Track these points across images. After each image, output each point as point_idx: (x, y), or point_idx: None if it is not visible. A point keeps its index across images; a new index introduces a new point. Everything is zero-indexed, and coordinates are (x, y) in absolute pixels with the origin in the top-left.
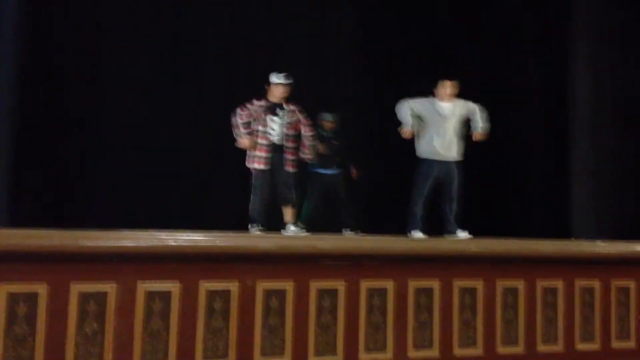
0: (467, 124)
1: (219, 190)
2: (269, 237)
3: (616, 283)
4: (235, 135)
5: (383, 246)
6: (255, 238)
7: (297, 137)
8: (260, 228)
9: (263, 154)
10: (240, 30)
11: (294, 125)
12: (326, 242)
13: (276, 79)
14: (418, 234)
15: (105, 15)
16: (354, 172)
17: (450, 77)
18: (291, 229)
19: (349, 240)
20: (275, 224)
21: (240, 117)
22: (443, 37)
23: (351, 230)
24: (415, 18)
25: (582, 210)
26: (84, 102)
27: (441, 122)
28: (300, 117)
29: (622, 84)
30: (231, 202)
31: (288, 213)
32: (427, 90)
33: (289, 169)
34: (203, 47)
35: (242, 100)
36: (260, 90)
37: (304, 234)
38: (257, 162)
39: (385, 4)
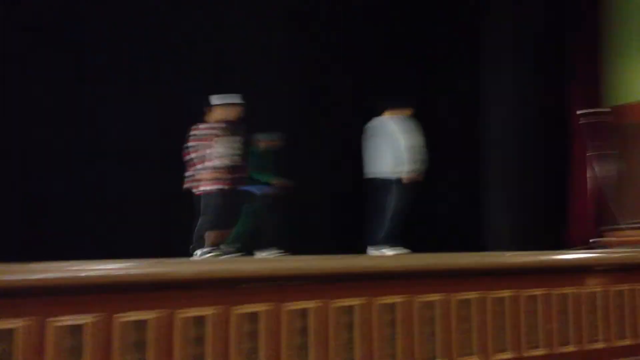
0: None
1: (136, 215)
2: (185, 263)
3: (525, 293)
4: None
5: (303, 266)
6: (170, 264)
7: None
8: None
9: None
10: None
11: (204, 144)
12: (244, 265)
13: (215, 100)
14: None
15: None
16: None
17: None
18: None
19: (268, 262)
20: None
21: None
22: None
23: (272, 251)
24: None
25: (494, 223)
26: None
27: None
28: (211, 133)
29: (528, 99)
30: (149, 227)
31: (215, 236)
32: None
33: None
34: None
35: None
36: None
37: (222, 257)
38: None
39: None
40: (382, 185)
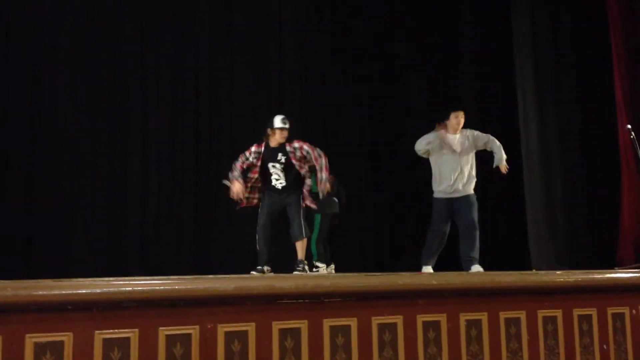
0: None
1: (172, 233)
2: (227, 279)
3: (578, 312)
4: (229, 175)
5: (344, 283)
6: (212, 280)
7: (306, 174)
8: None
9: (266, 198)
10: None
11: (300, 164)
12: (284, 281)
13: (279, 123)
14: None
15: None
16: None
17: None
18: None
19: (309, 279)
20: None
21: (240, 165)
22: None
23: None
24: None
25: (539, 242)
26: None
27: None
28: (305, 153)
29: (567, 120)
30: (186, 245)
31: (298, 249)
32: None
33: (308, 204)
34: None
35: (191, 142)
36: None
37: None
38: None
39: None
40: (465, 202)
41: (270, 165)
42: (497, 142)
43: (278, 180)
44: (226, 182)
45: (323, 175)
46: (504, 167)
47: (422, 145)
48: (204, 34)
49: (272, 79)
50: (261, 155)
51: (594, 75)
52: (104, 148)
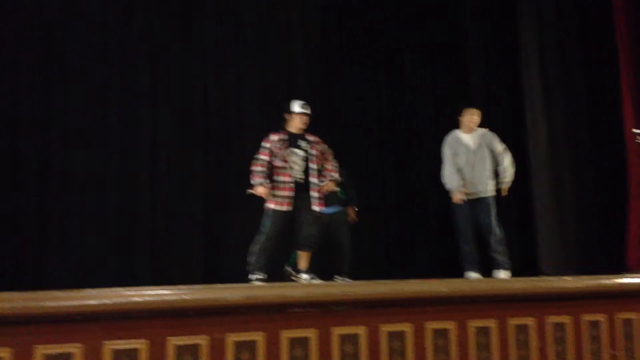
0: None
1: (180, 241)
2: (236, 288)
3: (587, 318)
4: (251, 182)
5: (352, 291)
6: (221, 290)
7: (320, 172)
8: (263, 277)
9: (286, 193)
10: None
11: (319, 158)
12: (294, 290)
13: (299, 107)
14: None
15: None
16: (351, 214)
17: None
18: (304, 277)
19: (318, 287)
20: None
21: (261, 164)
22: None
23: (344, 278)
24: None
25: (548, 248)
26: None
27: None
28: (325, 148)
29: (574, 125)
30: (196, 254)
31: (305, 259)
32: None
33: (316, 208)
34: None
35: (201, 143)
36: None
37: (317, 281)
38: (277, 203)
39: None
40: (485, 204)
41: (291, 152)
42: (510, 158)
43: (298, 171)
44: (250, 191)
45: (335, 175)
46: (505, 190)
47: (446, 180)
48: (210, 39)
49: (280, 85)
50: (286, 142)
51: (600, 72)
52: (114, 156)
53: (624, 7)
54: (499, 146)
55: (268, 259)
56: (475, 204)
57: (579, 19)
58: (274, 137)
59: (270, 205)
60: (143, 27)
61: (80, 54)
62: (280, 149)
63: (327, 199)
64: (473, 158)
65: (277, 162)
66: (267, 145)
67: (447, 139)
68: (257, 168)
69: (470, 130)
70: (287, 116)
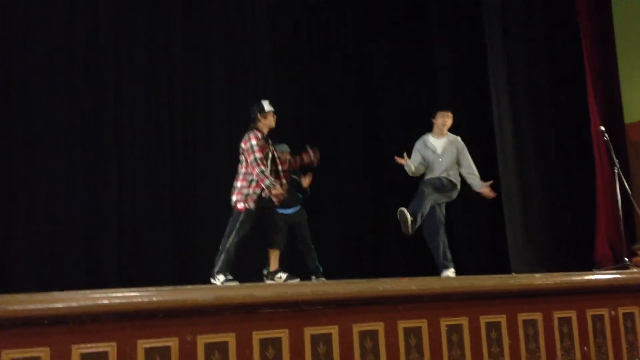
0: None
1: (150, 244)
2: (206, 289)
3: (558, 314)
4: (266, 186)
5: (322, 290)
6: (190, 291)
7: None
8: (230, 278)
9: (258, 191)
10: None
11: (281, 159)
12: (265, 290)
13: (269, 106)
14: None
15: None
16: (305, 180)
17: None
18: (283, 277)
19: (289, 287)
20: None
21: (263, 164)
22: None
23: (317, 277)
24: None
25: (518, 246)
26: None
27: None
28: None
29: (540, 124)
30: (164, 254)
31: (276, 257)
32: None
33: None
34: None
35: (170, 147)
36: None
37: (294, 280)
38: (253, 201)
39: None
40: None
41: (270, 151)
42: (476, 175)
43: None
44: (267, 194)
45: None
46: (487, 189)
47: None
48: (178, 41)
49: (248, 88)
50: (266, 142)
51: (565, 72)
52: (80, 157)
53: (587, 9)
54: (469, 156)
55: (236, 258)
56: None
57: (545, 21)
58: (258, 135)
59: (248, 204)
60: (108, 35)
61: (44, 60)
62: (262, 148)
63: (287, 200)
64: (438, 161)
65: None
66: (256, 142)
67: (416, 144)
68: (262, 168)
69: (441, 134)
70: (259, 116)
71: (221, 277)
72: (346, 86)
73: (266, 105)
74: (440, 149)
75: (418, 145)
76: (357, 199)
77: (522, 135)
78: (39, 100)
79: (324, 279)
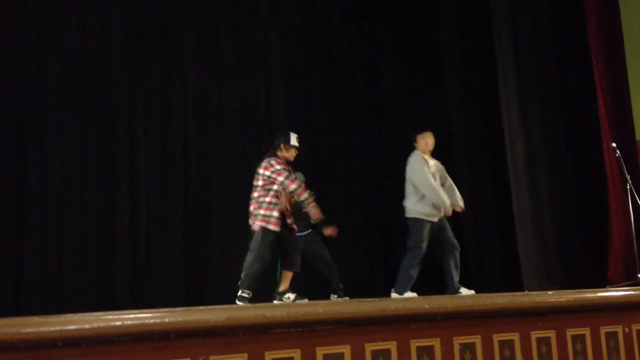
0: None
1: (162, 263)
2: (218, 310)
3: (571, 332)
4: (310, 208)
5: (334, 310)
6: (203, 312)
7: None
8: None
9: (278, 215)
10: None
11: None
12: (276, 310)
13: (295, 141)
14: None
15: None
16: (327, 230)
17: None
18: (291, 297)
19: (301, 307)
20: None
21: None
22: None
23: (339, 296)
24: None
25: (531, 263)
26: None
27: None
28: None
29: (551, 140)
30: (177, 275)
31: (288, 279)
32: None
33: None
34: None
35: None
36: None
37: (302, 301)
38: (274, 224)
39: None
40: (443, 221)
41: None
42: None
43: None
44: (311, 209)
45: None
46: (460, 207)
47: (435, 197)
48: (190, 62)
49: (259, 107)
50: (288, 170)
51: (576, 87)
52: (93, 177)
53: (597, 24)
54: (448, 177)
55: (257, 278)
56: (437, 222)
57: (554, 37)
58: (279, 162)
59: (268, 226)
60: (121, 55)
61: (58, 81)
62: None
63: (300, 223)
64: (437, 180)
65: (277, 186)
66: (282, 167)
67: (415, 158)
68: (298, 183)
69: (429, 154)
70: (283, 146)
71: (239, 292)
72: (358, 98)
73: (293, 139)
74: (434, 169)
75: (425, 167)
76: (370, 215)
77: (534, 151)
78: (53, 121)
79: (347, 298)
